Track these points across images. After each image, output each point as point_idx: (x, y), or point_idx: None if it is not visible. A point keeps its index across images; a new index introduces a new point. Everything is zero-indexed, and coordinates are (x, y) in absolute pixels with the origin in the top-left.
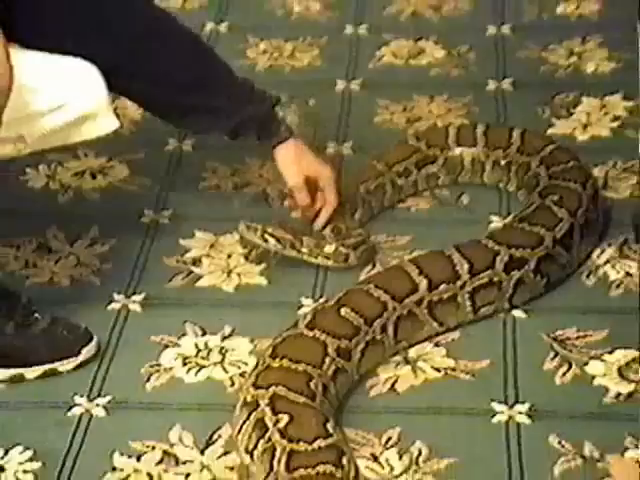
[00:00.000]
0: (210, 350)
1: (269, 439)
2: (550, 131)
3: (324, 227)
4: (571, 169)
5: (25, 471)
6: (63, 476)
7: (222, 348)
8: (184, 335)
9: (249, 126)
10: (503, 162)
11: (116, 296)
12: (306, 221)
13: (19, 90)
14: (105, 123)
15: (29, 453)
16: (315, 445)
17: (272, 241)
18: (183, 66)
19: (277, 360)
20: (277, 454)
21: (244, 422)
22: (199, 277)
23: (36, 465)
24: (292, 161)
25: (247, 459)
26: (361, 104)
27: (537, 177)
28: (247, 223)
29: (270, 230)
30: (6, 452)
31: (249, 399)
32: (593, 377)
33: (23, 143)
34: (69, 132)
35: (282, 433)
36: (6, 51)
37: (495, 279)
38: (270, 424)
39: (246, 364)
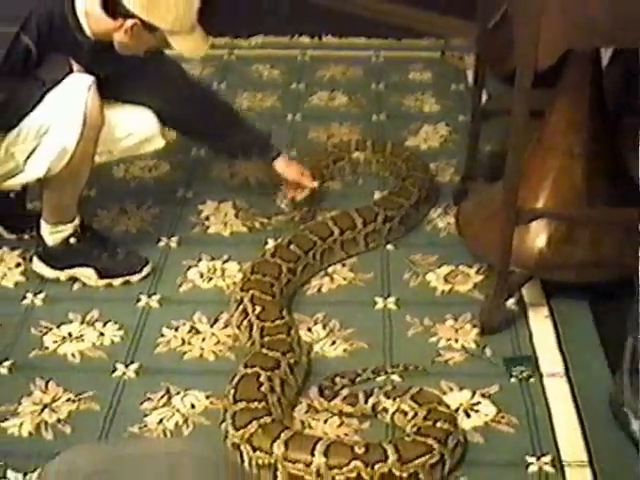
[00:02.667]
0: (215, 269)
1: (249, 320)
2: (407, 143)
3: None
4: (418, 165)
5: (107, 336)
6: (135, 337)
7: (222, 268)
8: (200, 260)
9: (256, 150)
10: (382, 160)
11: (163, 239)
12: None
13: (108, 125)
14: (156, 143)
15: (116, 326)
16: (275, 323)
17: None
18: (211, 118)
19: (254, 275)
20: (254, 328)
21: (235, 310)
22: (208, 227)
23: (118, 332)
24: (288, 166)
25: (237, 330)
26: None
27: (400, 170)
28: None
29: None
30: (105, 324)
31: (237, 297)
32: (429, 282)
33: (110, 155)
34: (137, 148)
35: (257, 316)
36: (101, 103)
37: (377, 228)
38: (250, 311)
39: (236, 277)
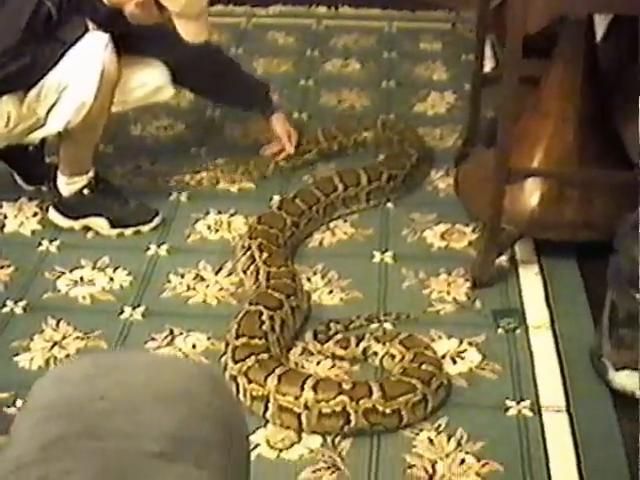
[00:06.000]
0: (222, 222)
1: (256, 265)
2: (414, 109)
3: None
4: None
5: (116, 281)
6: (143, 282)
7: (229, 221)
8: (208, 213)
9: (258, 103)
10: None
11: (174, 193)
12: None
13: (124, 76)
14: (167, 92)
15: (125, 271)
16: (281, 269)
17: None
18: (216, 73)
19: (260, 225)
20: (260, 272)
21: (242, 256)
22: (218, 183)
23: (127, 278)
24: (281, 124)
25: (242, 275)
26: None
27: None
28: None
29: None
30: (115, 270)
31: (245, 245)
32: (426, 238)
33: (125, 104)
34: (149, 97)
35: (264, 262)
36: (117, 59)
37: (381, 185)
38: (257, 257)
39: (241, 230)
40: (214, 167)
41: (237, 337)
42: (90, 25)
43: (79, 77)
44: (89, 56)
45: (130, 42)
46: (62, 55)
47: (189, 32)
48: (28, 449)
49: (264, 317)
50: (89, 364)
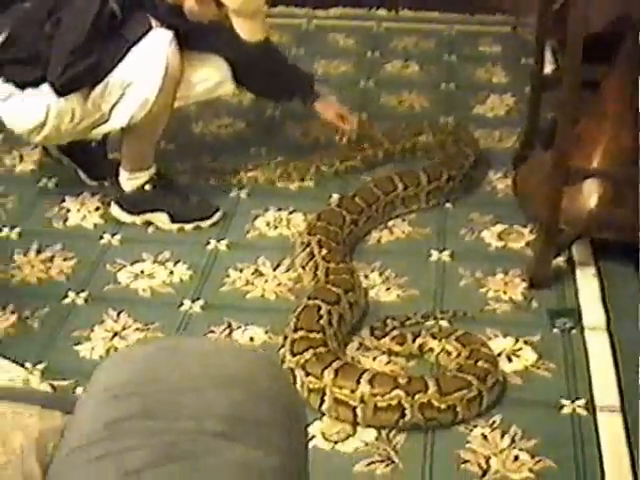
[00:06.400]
0: (281, 219)
1: (315, 261)
2: (473, 111)
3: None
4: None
5: (176, 274)
6: (203, 276)
7: (288, 218)
8: (268, 210)
9: (299, 92)
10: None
11: (234, 190)
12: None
13: (186, 72)
14: (228, 86)
15: (185, 265)
16: (340, 265)
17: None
18: (266, 66)
19: (319, 222)
20: (319, 268)
21: (301, 252)
22: (273, 181)
23: (187, 272)
24: (326, 108)
25: (301, 270)
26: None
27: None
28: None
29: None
30: (175, 264)
31: (304, 241)
32: (484, 238)
33: (187, 99)
34: (210, 92)
35: (323, 258)
36: (180, 56)
37: (440, 185)
38: (316, 253)
39: (300, 227)
40: (254, 167)
41: (295, 330)
42: (154, 23)
43: (143, 74)
44: (153, 53)
45: (190, 38)
46: (127, 52)
47: (245, 30)
48: (92, 428)
49: (322, 311)
50: (150, 348)
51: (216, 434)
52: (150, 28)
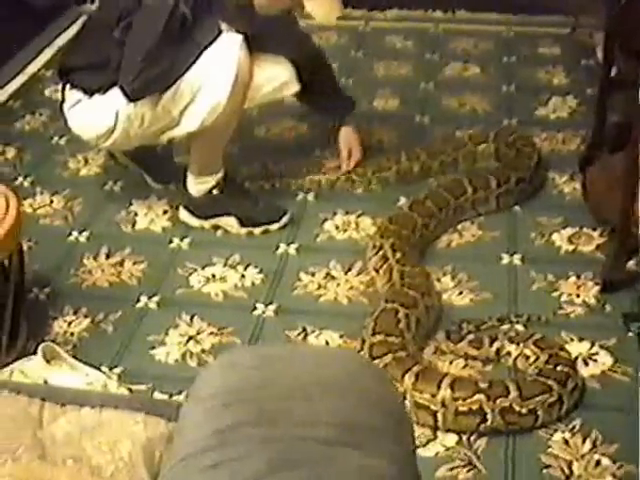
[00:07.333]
0: (350, 222)
1: (389, 264)
2: (535, 113)
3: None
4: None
5: (248, 278)
6: (274, 280)
7: (356, 222)
8: (336, 214)
9: (339, 116)
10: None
11: (301, 193)
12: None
13: (255, 74)
14: (293, 87)
15: (256, 269)
16: (415, 268)
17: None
18: (322, 80)
19: (391, 225)
20: (394, 271)
21: (374, 255)
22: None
23: (258, 276)
24: (348, 137)
25: (374, 273)
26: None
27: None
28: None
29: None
30: (246, 268)
31: (377, 244)
32: (554, 241)
33: (252, 100)
34: (275, 93)
35: (397, 261)
36: (250, 60)
37: (510, 188)
38: (390, 257)
39: (369, 230)
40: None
41: (374, 334)
42: (223, 26)
43: (214, 78)
44: (224, 57)
45: (257, 39)
46: (198, 57)
47: (320, 11)
48: (202, 435)
49: (400, 315)
50: (253, 355)
51: (330, 442)
52: (220, 32)
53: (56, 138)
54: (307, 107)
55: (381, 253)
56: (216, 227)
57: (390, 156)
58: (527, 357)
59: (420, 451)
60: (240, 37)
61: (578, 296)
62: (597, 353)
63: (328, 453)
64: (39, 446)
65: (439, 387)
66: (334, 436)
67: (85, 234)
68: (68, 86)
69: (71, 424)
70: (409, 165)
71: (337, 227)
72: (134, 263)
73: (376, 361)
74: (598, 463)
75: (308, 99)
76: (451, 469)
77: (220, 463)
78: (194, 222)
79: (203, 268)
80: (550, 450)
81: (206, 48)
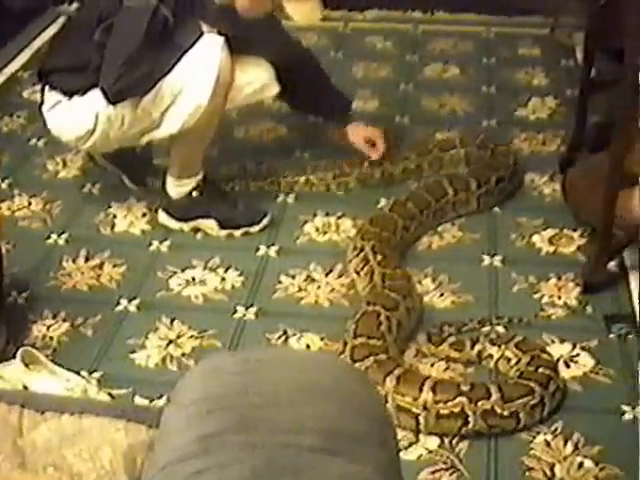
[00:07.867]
0: (330, 224)
1: (370, 266)
2: (515, 114)
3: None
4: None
5: (228, 281)
6: (255, 282)
7: (337, 224)
8: (316, 215)
9: (337, 115)
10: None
11: (281, 195)
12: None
13: (237, 76)
14: (273, 89)
15: (237, 272)
16: (396, 271)
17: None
18: (310, 81)
19: (372, 226)
20: (375, 274)
21: (355, 257)
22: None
23: (239, 278)
24: (360, 131)
25: (355, 276)
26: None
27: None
28: None
29: None
30: (226, 270)
31: (358, 246)
32: (534, 243)
33: (232, 102)
34: (256, 95)
35: (378, 263)
36: (232, 61)
37: (490, 189)
38: (371, 259)
39: (349, 232)
40: (302, 172)
41: (355, 337)
42: (204, 28)
43: (195, 80)
44: (205, 59)
45: (238, 41)
46: (179, 59)
47: (300, 14)
48: (184, 443)
49: (382, 317)
50: (235, 360)
51: (314, 448)
52: (201, 34)
53: (34, 140)
54: (303, 113)
55: (362, 255)
56: (196, 229)
57: (352, 160)
58: (509, 359)
59: (402, 454)
60: (221, 39)
61: (559, 298)
62: (578, 355)
63: (312, 460)
64: (19, 454)
65: (421, 390)
66: (318, 443)
67: (64, 237)
68: (47, 87)
69: (51, 431)
70: (370, 171)
71: (317, 229)
72: (113, 266)
73: (357, 364)
74: (580, 465)
75: (300, 104)
76: (433, 472)
77: (203, 471)
78: (174, 224)
79: (183, 271)
80: (532, 452)
81: (187, 50)
